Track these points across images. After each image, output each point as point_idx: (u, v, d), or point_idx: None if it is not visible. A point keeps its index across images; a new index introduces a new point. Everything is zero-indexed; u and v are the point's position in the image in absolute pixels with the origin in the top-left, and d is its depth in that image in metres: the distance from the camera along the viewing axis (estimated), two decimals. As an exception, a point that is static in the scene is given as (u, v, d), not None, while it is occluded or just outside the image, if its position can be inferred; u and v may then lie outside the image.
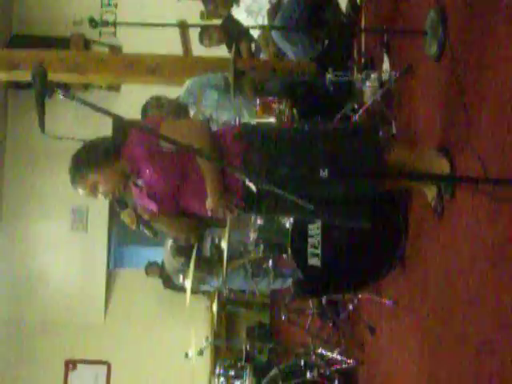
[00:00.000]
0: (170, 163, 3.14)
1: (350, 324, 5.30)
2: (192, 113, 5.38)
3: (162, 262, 8.16)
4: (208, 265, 6.00)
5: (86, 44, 9.43)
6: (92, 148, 3.21)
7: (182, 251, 5.90)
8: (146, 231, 3.37)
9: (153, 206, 3.28)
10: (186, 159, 3.14)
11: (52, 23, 9.69)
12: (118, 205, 3.47)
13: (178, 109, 5.30)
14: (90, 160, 3.16)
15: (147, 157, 3.13)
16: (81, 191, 3.21)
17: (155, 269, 9.25)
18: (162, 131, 3.08)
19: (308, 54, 5.53)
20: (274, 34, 5.55)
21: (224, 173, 3.12)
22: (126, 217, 3.37)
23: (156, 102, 5.22)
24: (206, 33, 6.57)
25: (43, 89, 2.27)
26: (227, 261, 5.24)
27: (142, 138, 3.12)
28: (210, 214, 3.19)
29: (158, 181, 3.17)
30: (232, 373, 6.67)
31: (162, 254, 6.76)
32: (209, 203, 3.14)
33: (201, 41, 6.64)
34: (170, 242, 6.08)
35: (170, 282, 8.53)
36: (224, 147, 3.16)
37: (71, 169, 3.20)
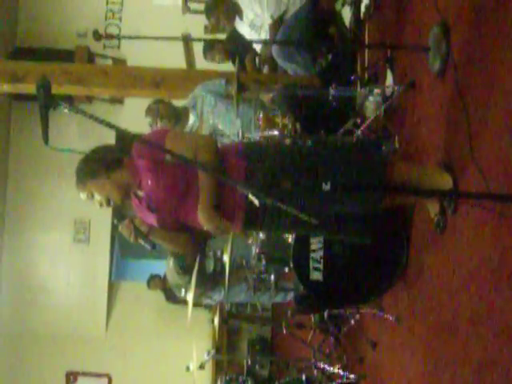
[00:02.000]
0: (172, 175, 3.13)
1: (351, 339, 5.28)
2: (192, 118, 5.39)
3: (164, 275, 8.15)
4: (210, 279, 5.99)
5: (90, 57, 9.46)
6: (95, 156, 3.22)
7: (185, 268, 5.89)
8: (143, 243, 3.34)
9: (152, 219, 3.29)
10: (189, 171, 3.13)
11: (56, 36, 9.72)
12: (115, 217, 3.47)
13: (175, 113, 5.33)
14: (90, 168, 3.18)
15: (149, 168, 3.13)
16: (82, 196, 3.24)
17: (157, 282, 9.24)
18: (168, 143, 3.09)
19: (310, 73, 5.52)
20: (275, 51, 5.54)
21: (227, 188, 3.12)
22: (123, 229, 3.36)
23: (154, 106, 5.27)
24: (210, 51, 6.58)
25: (47, 101, 2.28)
26: (229, 275, 5.23)
27: (145, 149, 3.12)
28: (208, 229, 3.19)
29: (158, 193, 3.16)
30: (233, 387, 6.67)
31: (165, 267, 6.75)
32: (200, 217, 3.13)
33: (205, 57, 6.66)
34: (172, 259, 6.06)
35: (172, 296, 8.52)
36: (227, 163, 3.16)
37: (75, 173, 3.23)
